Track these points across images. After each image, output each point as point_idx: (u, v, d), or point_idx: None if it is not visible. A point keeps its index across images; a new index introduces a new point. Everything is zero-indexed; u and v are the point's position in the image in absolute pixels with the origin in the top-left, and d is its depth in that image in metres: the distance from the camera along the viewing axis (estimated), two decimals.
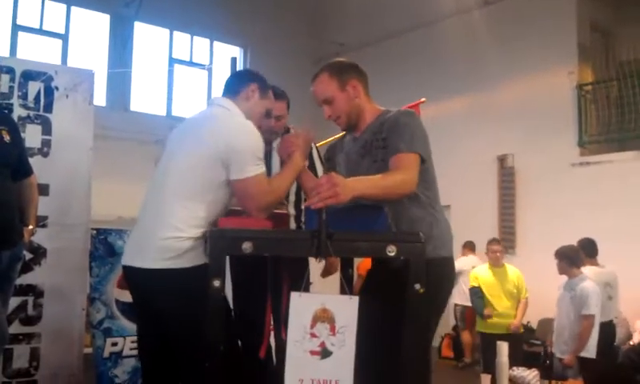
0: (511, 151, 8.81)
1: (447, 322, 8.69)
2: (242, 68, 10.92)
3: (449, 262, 2.48)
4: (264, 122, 2.80)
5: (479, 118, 9.14)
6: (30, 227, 3.43)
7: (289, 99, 3.30)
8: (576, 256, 5.60)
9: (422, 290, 1.91)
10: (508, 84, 8.91)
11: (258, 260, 2.81)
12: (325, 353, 1.94)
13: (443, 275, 2.40)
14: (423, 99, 5.36)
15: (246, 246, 1.93)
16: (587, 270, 5.71)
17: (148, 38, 10.38)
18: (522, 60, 8.71)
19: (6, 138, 3.26)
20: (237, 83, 2.70)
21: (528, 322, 8.09)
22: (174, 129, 2.75)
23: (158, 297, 2.47)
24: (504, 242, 8.68)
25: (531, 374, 5.45)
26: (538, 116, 8.46)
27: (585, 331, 5.34)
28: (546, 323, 7.65)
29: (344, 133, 2.74)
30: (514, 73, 8.82)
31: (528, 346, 7.68)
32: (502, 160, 8.96)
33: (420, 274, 1.93)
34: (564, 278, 5.76)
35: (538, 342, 7.62)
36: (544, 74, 8.56)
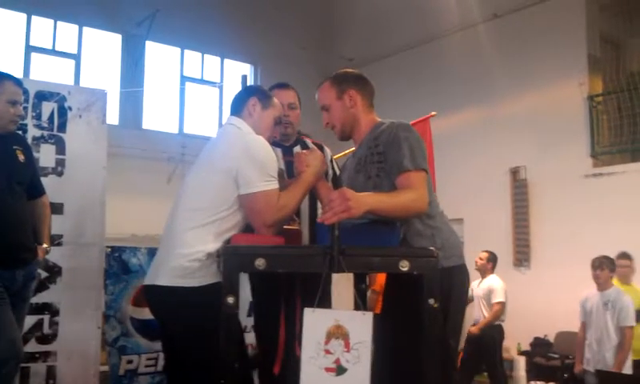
0: (523, 163, 8.76)
1: (464, 335, 8.61)
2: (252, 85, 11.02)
3: (456, 271, 2.43)
4: (275, 129, 2.82)
5: (490, 131, 9.11)
6: (45, 246, 3.45)
7: (295, 89, 3.33)
8: (614, 266, 5.59)
9: (436, 305, 1.91)
10: (518, 96, 8.88)
11: (273, 275, 2.82)
12: (340, 370, 1.93)
13: (451, 285, 2.35)
14: (433, 113, 5.35)
15: (259, 263, 1.94)
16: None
17: (159, 56, 10.45)
18: (532, 72, 8.70)
19: (21, 157, 3.30)
20: (238, 102, 2.75)
21: (545, 336, 8.06)
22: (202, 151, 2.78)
23: (170, 314, 2.50)
24: (518, 255, 8.66)
25: None
26: (549, 128, 8.42)
27: (628, 342, 5.36)
28: (564, 336, 7.60)
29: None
30: (524, 85, 8.80)
31: (546, 359, 7.62)
32: (514, 172, 8.91)
33: (434, 289, 1.93)
34: (581, 290, 5.75)
35: (556, 356, 7.55)
36: (554, 86, 8.53)
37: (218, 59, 11.18)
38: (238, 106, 2.73)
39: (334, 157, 3.61)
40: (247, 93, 2.79)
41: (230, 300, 1.91)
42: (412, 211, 2.29)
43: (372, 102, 2.63)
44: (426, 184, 2.35)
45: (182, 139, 9.97)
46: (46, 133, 4.27)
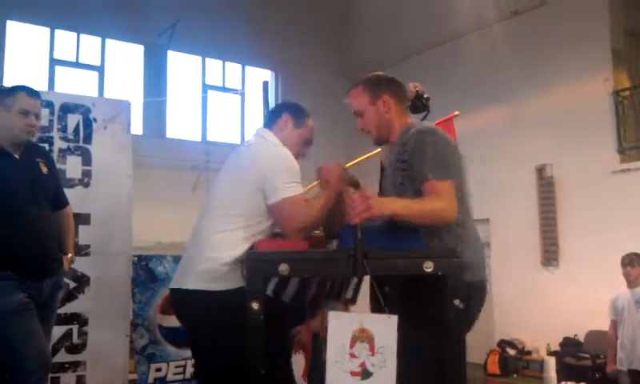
0: (549, 161, 8.65)
1: (493, 337, 8.55)
2: (273, 91, 11.07)
3: (474, 286, 2.33)
4: (303, 149, 2.81)
5: (515, 129, 9.01)
6: (69, 256, 3.50)
7: None
8: None
9: (461, 306, 1.89)
10: (542, 93, 8.76)
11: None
12: (365, 373, 1.92)
13: (468, 301, 2.21)
14: (456, 113, 5.30)
15: (283, 268, 1.94)
16: None
17: (181, 65, 10.54)
18: (555, 68, 8.58)
19: (44, 170, 3.35)
20: (272, 115, 2.80)
21: (575, 335, 7.94)
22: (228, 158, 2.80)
23: (196, 318, 2.53)
24: (546, 254, 8.54)
25: None
26: (574, 124, 8.31)
27: None
28: (594, 336, 7.49)
29: (376, 152, 2.74)
30: (548, 81, 8.68)
31: (576, 359, 7.51)
32: (540, 170, 8.80)
33: (458, 290, 1.91)
34: (611, 288, 5.66)
35: (587, 356, 7.44)
36: (579, 82, 8.41)
37: (239, 66, 11.24)
38: (270, 119, 2.79)
39: (358, 158, 3.60)
40: (282, 108, 2.84)
41: (255, 305, 1.91)
42: (438, 219, 2.24)
43: (406, 105, 2.61)
44: (453, 193, 2.28)
45: (205, 147, 10.03)
46: (71, 144, 4.33)
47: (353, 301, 2.58)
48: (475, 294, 2.36)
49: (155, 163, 8.74)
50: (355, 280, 2.55)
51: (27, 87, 3.30)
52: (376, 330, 1.93)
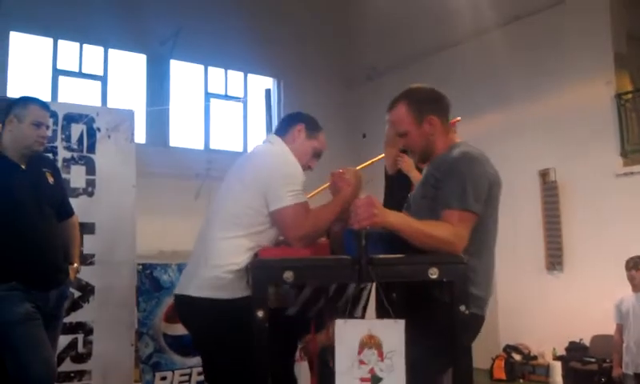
0: (552, 165, 8.64)
1: (498, 342, 8.52)
2: (275, 99, 11.10)
3: (475, 317, 2.27)
4: (312, 160, 2.80)
5: (518, 134, 8.99)
6: (75, 265, 3.50)
7: None
8: None
9: (467, 312, 1.89)
10: (545, 97, 8.76)
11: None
12: (375, 379, 1.92)
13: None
14: (458, 118, 5.27)
15: (288, 275, 1.95)
16: None
17: (184, 74, 10.58)
18: (557, 72, 8.58)
19: (50, 179, 3.36)
20: (286, 124, 2.79)
21: (581, 340, 7.92)
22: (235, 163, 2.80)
23: (201, 326, 2.54)
24: (550, 259, 8.52)
25: None
26: (577, 128, 8.30)
27: None
28: (600, 340, 7.47)
29: (382, 156, 2.73)
30: (550, 86, 8.68)
31: (582, 364, 7.49)
32: (543, 175, 8.79)
33: (464, 296, 1.91)
34: (616, 292, 5.65)
35: (593, 360, 7.42)
36: (581, 85, 8.41)
37: (241, 74, 11.27)
38: (283, 127, 2.78)
39: (359, 166, 3.58)
40: (296, 118, 2.81)
41: (260, 314, 1.91)
42: (442, 247, 2.13)
43: (449, 120, 2.51)
44: (469, 225, 2.22)
45: (208, 155, 10.05)
46: (75, 154, 4.33)
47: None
48: (473, 325, 2.28)
49: (158, 172, 8.75)
50: (364, 299, 2.55)
51: (38, 99, 3.34)
52: (384, 336, 1.93)
